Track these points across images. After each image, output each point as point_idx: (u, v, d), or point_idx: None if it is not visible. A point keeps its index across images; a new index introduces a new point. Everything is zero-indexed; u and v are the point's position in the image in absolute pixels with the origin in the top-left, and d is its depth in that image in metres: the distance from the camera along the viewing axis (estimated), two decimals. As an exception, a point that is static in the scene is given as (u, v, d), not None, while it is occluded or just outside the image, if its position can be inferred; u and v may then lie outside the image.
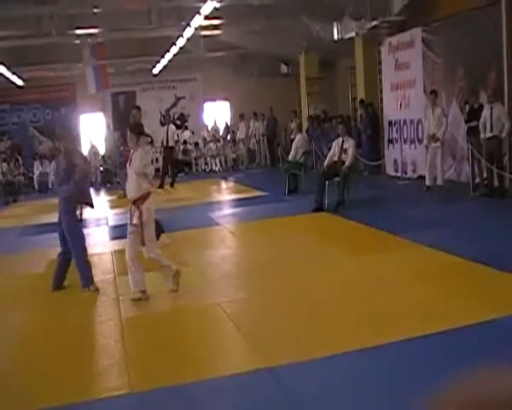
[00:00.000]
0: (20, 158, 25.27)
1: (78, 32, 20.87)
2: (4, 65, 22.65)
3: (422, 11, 16.86)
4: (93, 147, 26.80)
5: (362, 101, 20.35)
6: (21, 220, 17.47)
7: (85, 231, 13.70)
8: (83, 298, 8.79)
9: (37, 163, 26.11)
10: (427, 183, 15.03)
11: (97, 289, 8.88)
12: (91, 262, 9.38)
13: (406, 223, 11.49)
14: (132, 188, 8.31)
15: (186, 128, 28.34)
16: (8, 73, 24.11)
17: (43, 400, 5.46)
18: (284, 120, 26.91)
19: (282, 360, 5.72)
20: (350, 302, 7.35)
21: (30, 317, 8.25)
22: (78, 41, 22.04)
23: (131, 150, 8.48)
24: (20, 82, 26.18)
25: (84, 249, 9.03)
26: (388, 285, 7.77)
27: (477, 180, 14.09)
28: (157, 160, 27.78)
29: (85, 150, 26.98)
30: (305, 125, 24.06)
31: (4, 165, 24.53)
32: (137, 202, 8.20)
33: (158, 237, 9.69)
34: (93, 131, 28.21)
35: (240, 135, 28.64)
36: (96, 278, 9.10)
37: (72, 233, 8.90)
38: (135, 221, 8.15)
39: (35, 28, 19.46)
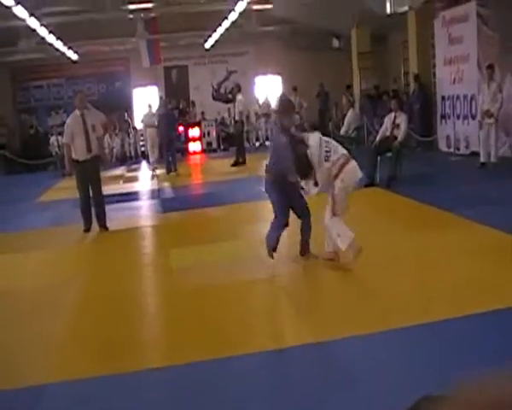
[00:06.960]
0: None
1: (132, 7, 21.08)
2: (60, 39, 22.99)
3: (477, -15, 16.59)
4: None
5: (416, 76, 20.11)
6: (75, 193, 17.73)
7: (138, 203, 14.03)
8: (133, 269, 9.01)
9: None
10: (482, 159, 14.80)
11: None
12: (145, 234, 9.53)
13: (460, 200, 11.35)
14: None
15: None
16: (63, 48, 24.49)
17: (87, 370, 5.57)
18: (336, 94, 26.75)
19: (333, 335, 5.78)
20: (403, 279, 7.36)
21: (79, 286, 8.37)
22: (131, 16, 22.25)
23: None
24: (75, 56, 26.55)
25: None
26: (442, 262, 7.74)
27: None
28: (208, 133, 28.08)
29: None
30: (357, 99, 23.93)
31: (60, 138, 24.93)
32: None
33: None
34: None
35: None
36: (148, 250, 9.22)
37: None
38: None
39: (89, 3, 19.73)
